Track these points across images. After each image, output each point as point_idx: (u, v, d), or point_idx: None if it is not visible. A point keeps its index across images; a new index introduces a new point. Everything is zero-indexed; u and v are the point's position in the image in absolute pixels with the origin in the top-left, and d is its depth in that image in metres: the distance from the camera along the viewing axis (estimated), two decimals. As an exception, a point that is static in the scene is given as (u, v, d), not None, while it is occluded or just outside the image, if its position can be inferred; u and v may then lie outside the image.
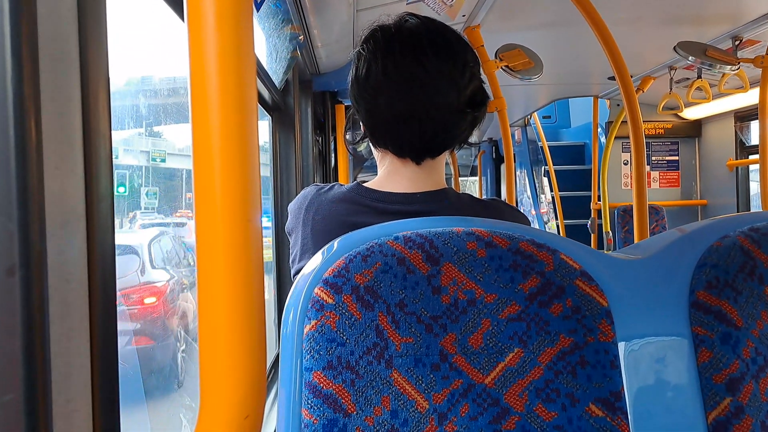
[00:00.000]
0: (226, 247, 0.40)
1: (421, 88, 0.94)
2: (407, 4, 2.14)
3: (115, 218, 0.59)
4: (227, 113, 0.39)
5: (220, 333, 0.39)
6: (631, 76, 2.09)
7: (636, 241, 2.07)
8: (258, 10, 1.62)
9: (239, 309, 0.39)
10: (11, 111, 0.46)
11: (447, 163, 1.14)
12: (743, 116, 4.54)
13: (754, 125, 4.55)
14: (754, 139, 4.56)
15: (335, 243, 0.73)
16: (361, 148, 1.11)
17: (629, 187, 5.13)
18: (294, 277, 1.00)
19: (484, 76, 1.06)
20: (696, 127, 5.16)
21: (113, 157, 0.59)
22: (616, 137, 4.53)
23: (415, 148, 0.99)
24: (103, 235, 0.56)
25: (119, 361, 0.58)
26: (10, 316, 0.46)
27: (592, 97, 4.76)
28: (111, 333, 0.57)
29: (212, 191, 0.40)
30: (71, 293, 0.52)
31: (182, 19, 0.45)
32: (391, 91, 0.95)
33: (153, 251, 2.80)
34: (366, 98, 0.99)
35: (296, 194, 2.42)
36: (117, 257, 0.57)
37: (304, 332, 0.68)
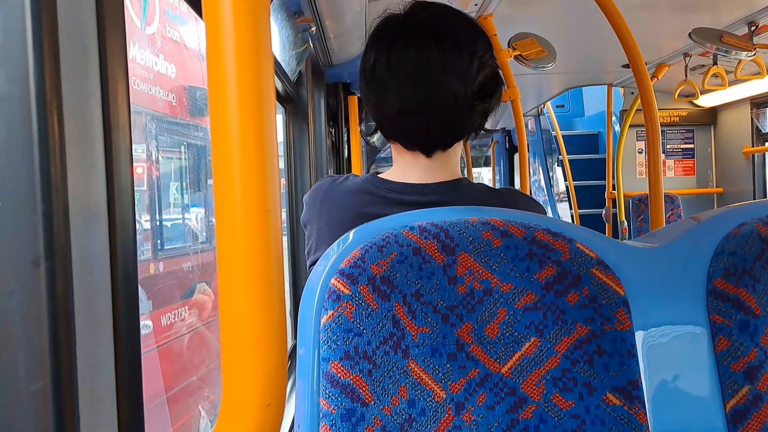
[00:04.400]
0: (246, 237, 0.40)
1: (426, 81, 0.92)
2: (419, -7, 2.13)
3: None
4: (246, 107, 0.40)
5: (242, 323, 0.40)
6: (646, 64, 2.07)
7: (651, 230, 2.06)
8: (270, 2, 1.62)
9: (260, 299, 0.40)
10: (34, 107, 0.46)
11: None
12: (760, 103, 4.48)
13: (771, 112, 4.50)
14: (771, 126, 4.51)
15: (351, 234, 0.73)
16: (374, 139, 1.10)
17: (644, 176, 5.09)
18: (310, 268, 1.00)
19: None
20: (711, 115, 5.10)
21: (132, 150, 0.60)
22: (630, 125, 4.49)
23: (423, 142, 0.98)
24: (125, 227, 0.57)
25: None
26: (37, 307, 0.47)
27: (606, 86, 4.72)
28: (134, 323, 0.58)
29: (232, 182, 0.40)
30: (94, 285, 0.53)
31: (200, 16, 0.46)
32: (396, 86, 0.94)
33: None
34: (373, 93, 0.98)
35: (310, 185, 2.43)
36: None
37: (321, 323, 0.68)
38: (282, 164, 2.46)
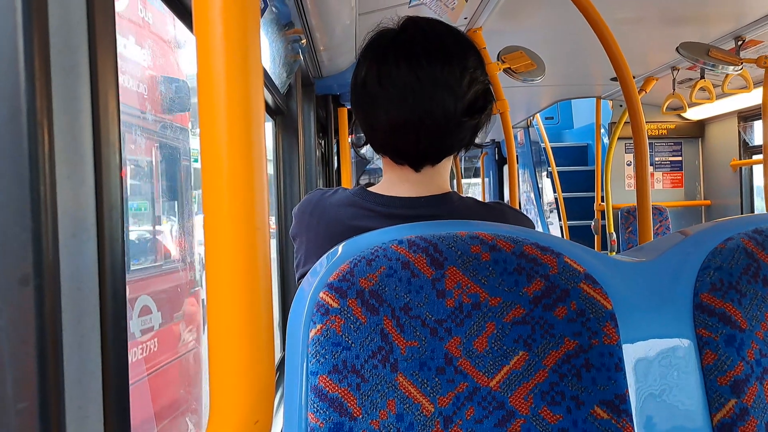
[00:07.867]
0: (234, 254, 0.40)
1: (415, 97, 0.92)
2: (409, 7, 2.14)
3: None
4: (235, 122, 0.40)
5: (230, 340, 0.40)
6: (634, 77, 2.08)
7: (639, 242, 2.07)
8: (261, 16, 1.62)
9: (248, 316, 0.40)
10: (25, 123, 0.46)
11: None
12: (747, 116, 4.53)
13: (758, 125, 4.55)
14: (758, 139, 4.56)
15: (340, 247, 0.73)
16: (365, 150, 1.10)
17: (633, 188, 5.13)
18: (299, 281, 1.00)
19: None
20: (699, 128, 5.15)
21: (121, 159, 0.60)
22: (619, 138, 4.53)
23: (412, 157, 0.98)
24: (114, 243, 0.56)
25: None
26: (25, 325, 0.46)
27: (595, 98, 4.76)
28: (121, 340, 0.57)
29: (221, 200, 0.40)
30: (83, 301, 0.53)
31: (191, 30, 0.46)
32: (386, 101, 0.94)
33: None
34: (363, 107, 0.98)
35: (300, 197, 2.42)
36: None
37: (310, 336, 0.68)
38: (271, 170, 2.46)
